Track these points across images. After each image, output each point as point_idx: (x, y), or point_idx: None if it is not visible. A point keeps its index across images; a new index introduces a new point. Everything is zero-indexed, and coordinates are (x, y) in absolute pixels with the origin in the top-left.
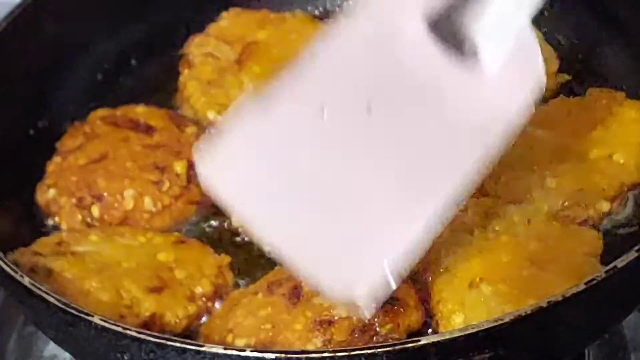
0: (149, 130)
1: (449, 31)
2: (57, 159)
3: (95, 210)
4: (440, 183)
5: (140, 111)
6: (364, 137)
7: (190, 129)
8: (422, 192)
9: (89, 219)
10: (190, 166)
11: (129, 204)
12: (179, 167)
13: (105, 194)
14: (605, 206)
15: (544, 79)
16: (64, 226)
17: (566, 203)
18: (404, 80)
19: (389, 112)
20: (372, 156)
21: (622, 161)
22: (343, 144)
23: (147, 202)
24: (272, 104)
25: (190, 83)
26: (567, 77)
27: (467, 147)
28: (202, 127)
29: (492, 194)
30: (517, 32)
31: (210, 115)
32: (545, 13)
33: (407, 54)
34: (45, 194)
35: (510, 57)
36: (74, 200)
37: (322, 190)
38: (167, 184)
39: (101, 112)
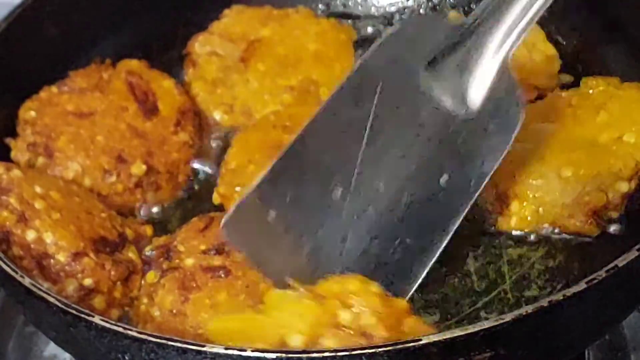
0: (149, 111)
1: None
2: (54, 88)
3: (40, 162)
4: None
5: (166, 85)
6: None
7: (182, 135)
8: None
9: (32, 164)
10: (147, 173)
11: (69, 175)
12: (137, 169)
13: (56, 154)
14: (623, 187)
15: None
16: (13, 153)
17: (586, 189)
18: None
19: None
20: None
21: (633, 140)
22: None
23: (87, 182)
24: None
25: (196, 83)
26: (569, 77)
27: None
28: (198, 136)
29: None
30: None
31: (217, 115)
32: (546, 14)
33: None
34: (25, 114)
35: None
36: (31, 139)
37: None
38: (113, 178)
39: (135, 64)
